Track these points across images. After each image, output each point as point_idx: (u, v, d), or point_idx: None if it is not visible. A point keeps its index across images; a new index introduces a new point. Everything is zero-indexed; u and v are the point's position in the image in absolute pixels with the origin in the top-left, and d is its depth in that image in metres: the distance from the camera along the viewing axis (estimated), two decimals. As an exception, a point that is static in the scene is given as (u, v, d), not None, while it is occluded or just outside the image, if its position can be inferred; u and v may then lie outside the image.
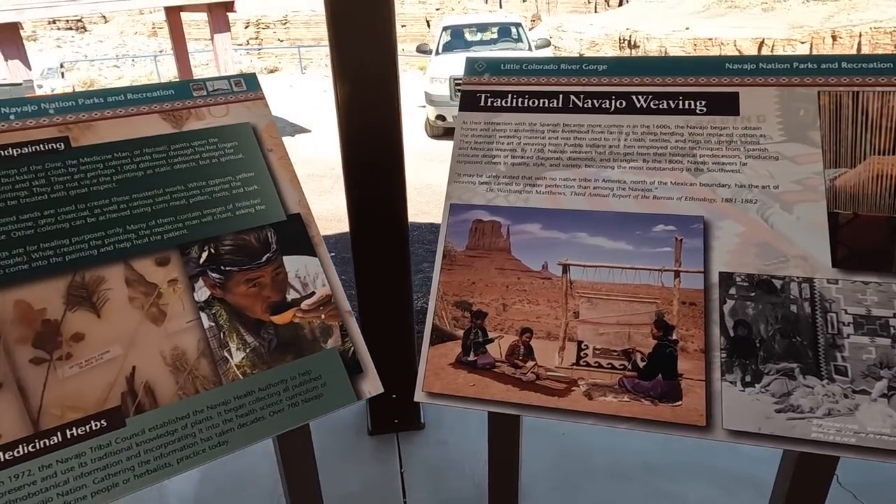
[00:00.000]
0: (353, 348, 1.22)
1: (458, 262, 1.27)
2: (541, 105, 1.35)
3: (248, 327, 1.17)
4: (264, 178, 1.30)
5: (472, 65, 1.42)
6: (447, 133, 8.41)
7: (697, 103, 1.28)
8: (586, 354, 1.16)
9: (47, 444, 0.97)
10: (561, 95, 1.35)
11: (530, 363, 1.17)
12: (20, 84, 5.24)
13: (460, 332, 1.22)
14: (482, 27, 9.52)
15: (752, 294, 1.13)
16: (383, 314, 1.98)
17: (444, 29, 9.26)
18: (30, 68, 6.51)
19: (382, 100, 1.77)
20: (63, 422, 0.99)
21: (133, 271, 1.13)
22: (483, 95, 1.39)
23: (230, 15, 10.13)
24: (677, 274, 1.17)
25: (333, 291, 1.25)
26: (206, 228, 1.21)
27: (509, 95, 1.37)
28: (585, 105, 1.33)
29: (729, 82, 1.29)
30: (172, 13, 10.02)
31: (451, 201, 1.32)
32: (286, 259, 1.24)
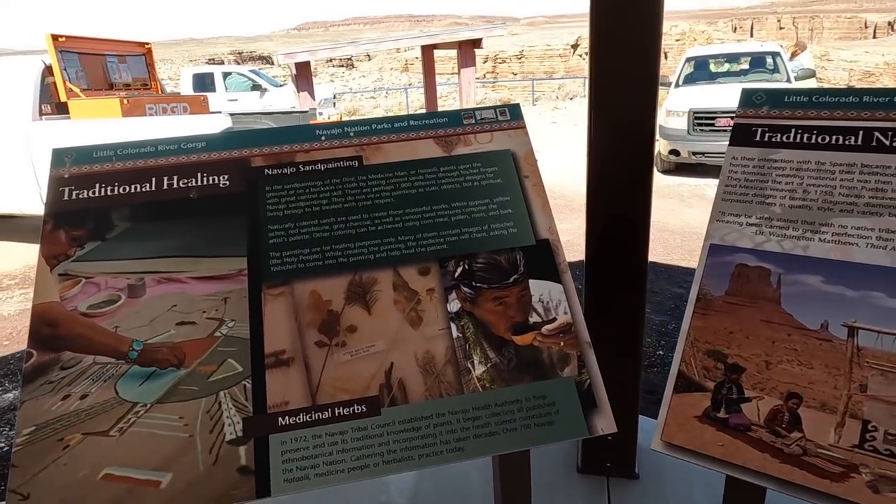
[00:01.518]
0: (588, 381, 1.19)
1: (715, 307, 1.17)
2: (833, 142, 1.19)
3: (491, 343, 1.22)
4: (518, 203, 1.36)
5: (748, 96, 1.31)
6: (679, 168, 7.95)
7: None
8: (873, 437, 0.97)
9: (320, 416, 1.13)
10: (861, 132, 1.17)
11: (796, 434, 1.02)
12: (306, 111, 6.33)
13: (711, 385, 1.12)
14: (732, 57, 8.78)
15: None
16: (610, 349, 1.91)
17: (688, 60, 8.73)
18: (314, 99, 7.89)
19: (637, 128, 1.73)
20: (333, 401, 1.14)
21: (399, 277, 1.26)
22: (759, 129, 1.27)
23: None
24: None
25: (574, 320, 1.24)
26: (463, 245, 1.30)
27: (792, 130, 1.23)
28: (895, 144, 1.13)
29: None
30: (427, 50, 11.20)
31: (711, 241, 1.22)
32: (531, 282, 1.27)
